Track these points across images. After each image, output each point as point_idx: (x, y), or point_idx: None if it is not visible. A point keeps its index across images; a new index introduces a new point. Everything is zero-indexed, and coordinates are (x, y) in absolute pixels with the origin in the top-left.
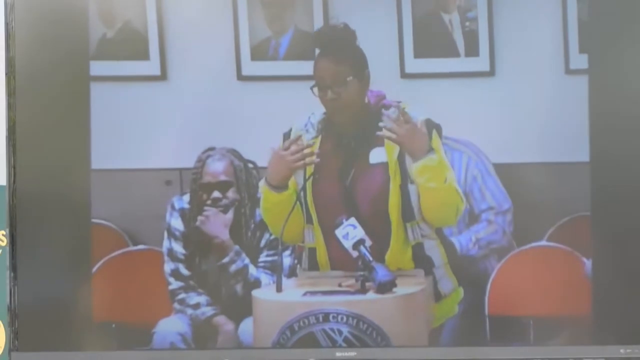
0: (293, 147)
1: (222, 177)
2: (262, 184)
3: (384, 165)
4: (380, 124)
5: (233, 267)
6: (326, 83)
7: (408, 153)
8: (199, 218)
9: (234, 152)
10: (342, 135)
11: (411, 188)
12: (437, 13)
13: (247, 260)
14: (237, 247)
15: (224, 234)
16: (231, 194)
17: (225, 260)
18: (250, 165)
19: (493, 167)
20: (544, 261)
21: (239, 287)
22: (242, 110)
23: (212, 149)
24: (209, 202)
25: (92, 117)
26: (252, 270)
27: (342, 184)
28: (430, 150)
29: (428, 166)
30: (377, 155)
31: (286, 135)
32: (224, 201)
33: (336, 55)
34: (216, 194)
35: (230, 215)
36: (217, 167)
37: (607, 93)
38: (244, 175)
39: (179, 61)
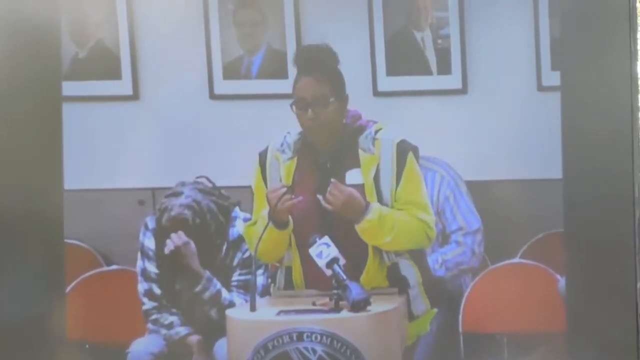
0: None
1: (184, 217)
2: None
3: (360, 187)
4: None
5: (206, 295)
6: (307, 102)
7: (347, 218)
8: (167, 249)
9: (201, 187)
10: (318, 156)
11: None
12: (409, 31)
13: (219, 285)
14: (207, 273)
15: (193, 263)
16: (195, 230)
17: (198, 288)
18: (222, 193)
19: (465, 185)
20: (517, 278)
21: (213, 312)
22: (216, 129)
23: (174, 194)
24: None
25: (65, 137)
26: (225, 294)
27: (318, 204)
28: (367, 211)
29: (367, 228)
30: (353, 177)
31: (262, 154)
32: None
33: (318, 75)
34: (179, 236)
35: (193, 244)
36: (178, 211)
37: (579, 110)
38: (207, 214)
39: (151, 80)
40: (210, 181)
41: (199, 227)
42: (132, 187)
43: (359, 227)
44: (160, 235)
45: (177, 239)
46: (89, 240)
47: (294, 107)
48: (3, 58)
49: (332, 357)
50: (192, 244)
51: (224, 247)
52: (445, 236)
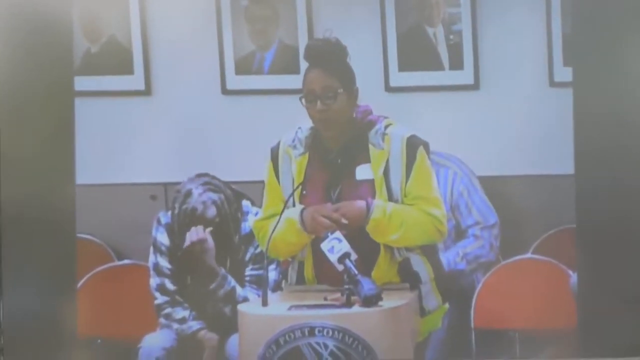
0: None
1: (203, 216)
2: (296, 218)
3: (370, 182)
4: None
5: (221, 292)
6: (316, 94)
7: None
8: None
9: (210, 184)
10: (329, 151)
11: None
12: (421, 26)
13: (233, 283)
14: (223, 270)
15: (210, 260)
16: (212, 225)
17: (213, 285)
18: (232, 187)
19: (478, 181)
20: (529, 274)
21: (227, 309)
22: (227, 125)
23: (188, 194)
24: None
25: (77, 132)
26: (240, 290)
27: (329, 199)
28: (369, 212)
29: (374, 226)
30: (363, 172)
31: (274, 150)
32: (205, 234)
33: (327, 67)
34: (198, 231)
35: (211, 240)
36: (196, 209)
37: (591, 105)
38: (225, 205)
39: (164, 76)
40: (216, 178)
41: (219, 222)
42: (144, 182)
43: (367, 228)
44: (176, 231)
45: (195, 234)
46: (100, 235)
47: (303, 100)
48: (16, 53)
49: (343, 352)
50: (210, 241)
51: (237, 242)
52: (461, 231)
